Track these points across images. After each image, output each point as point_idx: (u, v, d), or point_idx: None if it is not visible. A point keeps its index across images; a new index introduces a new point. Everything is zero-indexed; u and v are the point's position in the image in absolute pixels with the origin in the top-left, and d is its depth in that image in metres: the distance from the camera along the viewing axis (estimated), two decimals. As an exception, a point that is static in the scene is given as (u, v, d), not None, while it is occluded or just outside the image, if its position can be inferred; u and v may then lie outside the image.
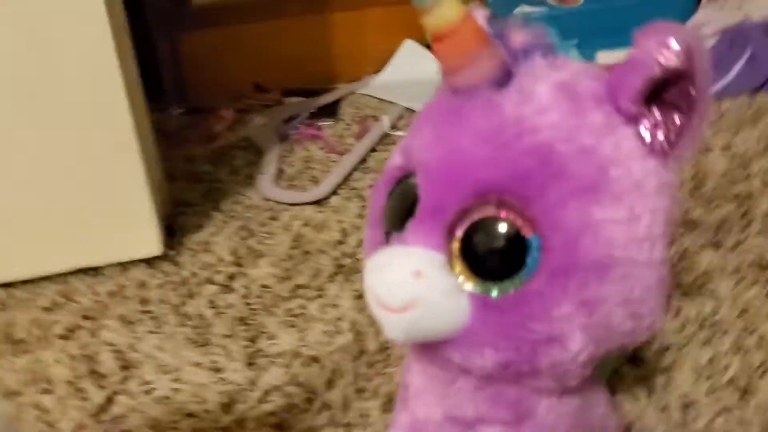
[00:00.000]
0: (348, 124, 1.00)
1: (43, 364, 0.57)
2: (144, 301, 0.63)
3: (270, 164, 0.88)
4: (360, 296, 0.62)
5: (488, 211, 0.29)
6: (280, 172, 0.87)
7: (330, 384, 0.52)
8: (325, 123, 1.00)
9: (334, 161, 0.89)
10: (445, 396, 0.35)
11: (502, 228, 0.29)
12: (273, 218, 0.76)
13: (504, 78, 0.29)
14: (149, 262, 0.69)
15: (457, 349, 0.31)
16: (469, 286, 0.30)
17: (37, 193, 0.64)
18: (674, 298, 0.57)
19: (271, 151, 0.91)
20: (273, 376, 0.53)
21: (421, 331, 0.30)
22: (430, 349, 0.33)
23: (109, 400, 0.53)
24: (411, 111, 1.01)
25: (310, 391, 0.51)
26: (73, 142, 0.63)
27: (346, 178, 0.83)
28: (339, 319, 0.59)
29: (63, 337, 0.60)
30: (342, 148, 0.92)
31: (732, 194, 0.70)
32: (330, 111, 1.03)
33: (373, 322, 0.58)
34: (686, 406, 0.47)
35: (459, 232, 0.30)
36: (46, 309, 0.64)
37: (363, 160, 0.88)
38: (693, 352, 0.51)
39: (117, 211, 0.66)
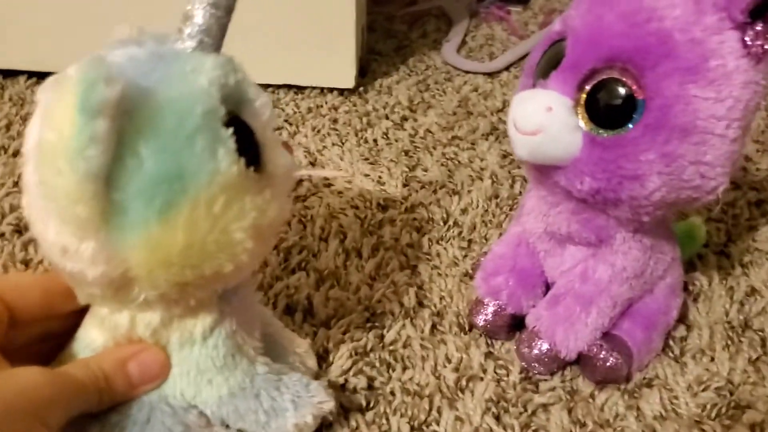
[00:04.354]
0: (535, 14, 1.08)
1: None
2: (333, 121, 0.78)
3: (456, 35, 0.98)
4: (505, 156, 0.73)
5: (613, 74, 0.39)
6: (463, 43, 0.97)
7: (464, 211, 0.65)
8: (514, 8, 1.08)
9: (513, 43, 0.98)
10: (548, 215, 0.47)
11: (622, 89, 0.39)
12: (448, 79, 0.88)
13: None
14: (342, 92, 0.84)
15: (564, 175, 0.42)
16: (585, 128, 0.40)
17: (265, 20, 0.79)
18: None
19: (460, 24, 1.01)
20: (421, 196, 0.66)
21: (542, 153, 0.41)
22: (544, 173, 0.44)
23: (297, 184, 0.68)
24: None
25: (447, 213, 0.64)
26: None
27: (520, 59, 0.92)
28: (483, 169, 0.71)
29: (268, 133, 0.76)
30: (524, 33, 1.00)
31: None
32: (521, -1, 1.11)
33: (510, 176, 0.69)
34: (751, 293, 0.55)
35: (587, 87, 0.40)
36: (258, 110, 0.80)
37: (539, 49, 0.96)
38: (777, 259, 0.59)
39: (327, 46, 0.80)
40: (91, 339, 0.33)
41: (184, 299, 0.32)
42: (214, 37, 0.31)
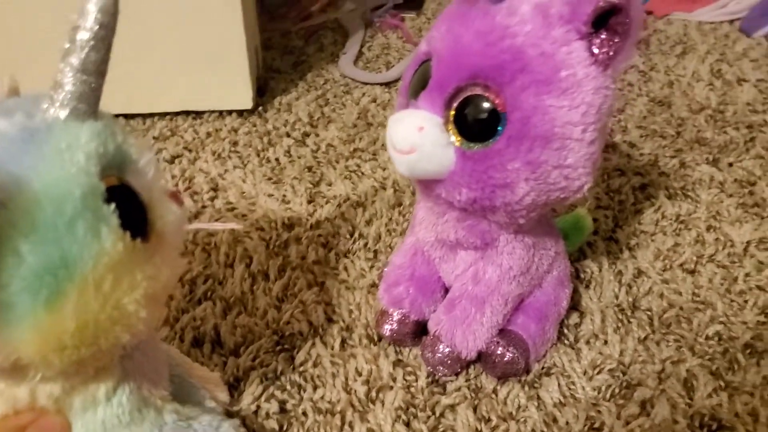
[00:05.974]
0: (429, 19, 1.10)
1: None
2: (234, 144, 0.79)
3: (353, 46, 1.00)
4: (405, 163, 0.75)
5: (477, 90, 0.41)
6: (360, 54, 0.99)
7: (368, 223, 0.66)
8: (408, 14, 1.10)
9: (408, 51, 1.00)
10: (437, 224, 0.49)
11: (485, 104, 0.41)
12: (347, 92, 0.90)
13: (500, -3, 0.41)
14: (241, 113, 0.84)
15: (443, 187, 0.44)
16: (456, 143, 0.42)
17: (157, 48, 0.79)
18: (658, 199, 0.68)
19: (356, 35, 1.03)
20: (326, 211, 0.68)
21: (419, 169, 0.43)
22: (427, 187, 0.46)
23: (200, 212, 0.69)
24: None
25: (352, 226, 0.66)
26: (189, 9, 0.77)
27: (416, 67, 0.95)
28: (385, 178, 0.73)
29: (168, 162, 0.76)
30: (418, 40, 1.03)
31: (747, 122, 0.78)
32: (415, 4, 1.14)
33: (410, 184, 0.71)
34: (638, 275, 0.59)
35: (455, 104, 0.42)
36: (156, 138, 0.80)
37: (434, 53, 0.99)
38: (660, 239, 0.63)
39: (220, 69, 0.81)
40: None
41: (83, 370, 0.32)
42: (88, 102, 0.29)
